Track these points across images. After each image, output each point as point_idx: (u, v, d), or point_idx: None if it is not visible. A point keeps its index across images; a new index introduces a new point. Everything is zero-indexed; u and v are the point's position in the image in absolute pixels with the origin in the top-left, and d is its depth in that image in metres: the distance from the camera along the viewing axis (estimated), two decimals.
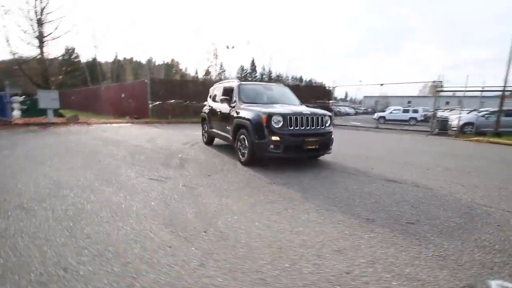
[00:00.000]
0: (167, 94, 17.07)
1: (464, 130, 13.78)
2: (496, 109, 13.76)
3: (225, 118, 5.55)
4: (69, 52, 36.88)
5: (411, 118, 23.03)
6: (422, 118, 23.63)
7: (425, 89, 60.87)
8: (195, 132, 10.20)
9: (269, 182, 3.81)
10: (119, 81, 35.11)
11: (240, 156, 4.89)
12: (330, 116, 4.87)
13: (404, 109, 24.50)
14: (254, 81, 54.63)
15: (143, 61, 58.19)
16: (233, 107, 5.31)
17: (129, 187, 3.45)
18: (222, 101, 5.52)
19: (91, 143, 6.91)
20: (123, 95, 18.74)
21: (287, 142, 4.27)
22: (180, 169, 4.48)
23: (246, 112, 4.76)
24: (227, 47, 32.94)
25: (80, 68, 34.37)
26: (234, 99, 5.38)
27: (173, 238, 2.17)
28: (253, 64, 58.74)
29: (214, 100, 6.67)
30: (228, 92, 5.93)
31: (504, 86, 12.09)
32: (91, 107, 22.57)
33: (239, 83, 5.59)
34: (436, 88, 14.56)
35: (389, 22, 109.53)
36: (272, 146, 4.28)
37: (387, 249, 2.10)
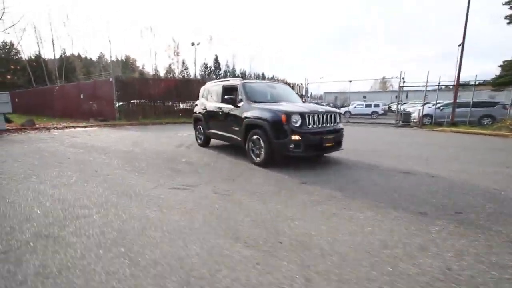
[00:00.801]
0: (134, 94, 15.89)
1: (423, 122, 15.37)
2: (449, 101, 15.53)
3: (230, 118, 5.31)
4: (6, 47, 32.05)
5: (373, 112, 24.82)
6: (382, 112, 25.73)
7: (375, 85, 66.35)
8: (180, 134, 9.70)
9: (299, 182, 3.74)
10: (68, 80, 31.61)
11: (254, 157, 4.73)
12: (340, 113, 4.96)
13: (366, 104, 26.29)
14: (218, 78, 53.89)
15: (94, 57, 53.36)
16: (239, 106, 5.10)
17: (155, 199, 3.09)
18: (225, 100, 5.26)
19: (68, 151, 6.08)
20: (82, 96, 16.96)
21: (308, 141, 4.24)
22: (195, 174, 4.17)
23: (260, 111, 4.60)
24: (192, 44, 31.44)
25: (21, 66, 30.16)
26: (239, 98, 5.17)
27: (254, 253, 1.98)
28: (216, 61, 57.58)
29: (209, 100, 6.35)
30: (229, 91, 5.69)
31: (457, 81, 13.66)
32: (41, 110, 20.02)
33: (243, 81, 5.37)
34: (399, 83, 15.87)
35: (345, 23, 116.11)
36: (292, 146, 4.21)
37: (460, 241, 2.18)
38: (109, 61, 45.08)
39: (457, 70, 13.37)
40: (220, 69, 57.88)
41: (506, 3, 10.92)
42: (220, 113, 5.69)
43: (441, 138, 8.98)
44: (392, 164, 4.81)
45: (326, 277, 1.72)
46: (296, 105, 4.83)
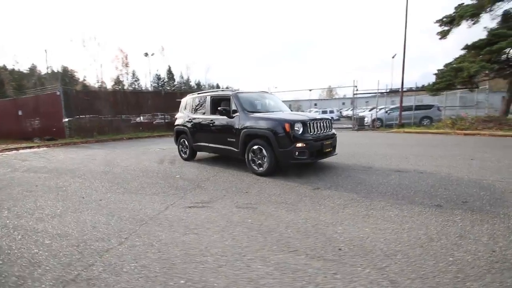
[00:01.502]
0: (85, 108, 14.43)
1: (375, 125, 17.10)
2: (394, 106, 17.57)
3: (225, 129, 5.17)
4: None
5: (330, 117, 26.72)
6: (337, 117, 27.88)
7: (323, 93, 71.71)
8: (152, 149, 9.06)
9: (312, 188, 3.80)
10: None
11: (256, 167, 4.66)
12: (331, 120, 5.23)
13: (323, 111, 28.15)
14: (174, 89, 51.87)
15: (25, 69, 47.01)
16: (233, 117, 5.01)
17: (176, 221, 2.82)
18: (219, 112, 5.11)
19: (29, 177, 5.18)
20: (20, 113, 14.75)
21: (312, 148, 4.35)
22: (202, 190, 3.92)
23: (260, 121, 4.59)
24: (146, 55, 29.95)
25: None
26: (233, 109, 5.08)
27: (323, 263, 1.94)
28: (170, 73, 55.67)
29: (195, 112, 6.10)
30: (218, 102, 5.57)
31: (402, 87, 15.56)
32: None
33: (234, 92, 5.30)
34: (353, 91, 17.41)
35: (296, 34, 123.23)
36: (297, 153, 4.28)
37: (484, 226, 2.46)
38: (44, 73, 40.13)
39: (402, 78, 15.27)
40: (174, 80, 56.03)
41: (437, 21, 12.95)
42: (211, 125, 5.50)
43: (400, 138, 10.07)
44: (382, 165, 5.22)
45: (406, 276, 1.77)
46: (292, 113, 4.96)
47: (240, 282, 1.76)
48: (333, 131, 5.09)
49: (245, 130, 4.73)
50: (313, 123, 4.54)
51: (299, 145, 4.25)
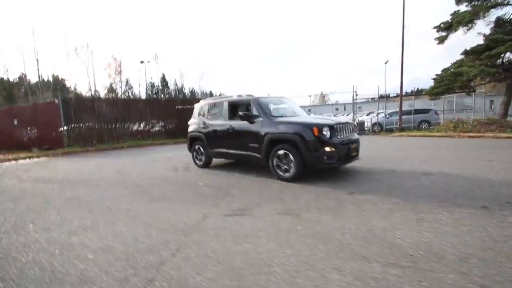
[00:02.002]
0: (84, 117, 14.10)
1: (375, 129, 17.31)
2: (395, 110, 17.83)
3: (246, 135, 5.07)
4: None
5: None
6: None
7: (316, 99, 72.48)
8: (159, 156, 8.86)
9: (347, 193, 3.71)
10: None
11: (281, 172, 4.56)
12: (354, 124, 5.21)
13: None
14: (168, 97, 51.42)
15: (14, 78, 45.96)
16: (255, 122, 4.93)
17: (221, 230, 2.69)
18: (240, 117, 5.02)
19: (41, 188, 4.94)
20: (16, 122, 14.30)
21: (341, 152, 4.30)
22: (233, 198, 3.79)
23: (286, 125, 4.53)
24: (142, 62, 29.79)
25: None
26: (254, 114, 5.00)
27: (400, 270, 1.84)
28: (164, 80, 55.32)
29: (211, 118, 5.99)
30: (236, 108, 5.49)
31: (401, 92, 15.83)
32: None
33: (255, 97, 5.24)
34: (353, 96, 17.62)
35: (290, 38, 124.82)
36: (326, 157, 4.21)
37: None
38: (34, 81, 39.33)
39: (401, 82, 15.53)
40: (168, 88, 55.69)
41: (434, 27, 13.31)
42: (230, 131, 5.39)
43: (407, 142, 10.15)
44: (404, 168, 5.20)
45: (493, 280, 1.69)
46: (316, 117, 4.92)
47: None
48: (356, 135, 5.06)
49: (269, 135, 4.65)
50: (339, 126, 4.50)
51: (327, 149, 4.19)
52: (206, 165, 6.21)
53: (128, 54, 76.54)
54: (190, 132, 6.50)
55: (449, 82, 12.52)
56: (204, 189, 4.36)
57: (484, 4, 12.45)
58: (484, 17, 12.29)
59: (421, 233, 2.41)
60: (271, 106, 5.22)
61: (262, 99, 5.21)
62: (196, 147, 6.33)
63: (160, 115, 16.89)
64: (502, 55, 10.74)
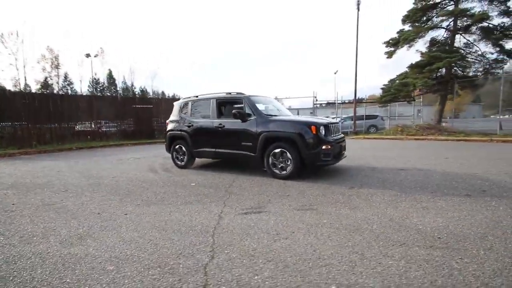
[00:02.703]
0: (16, 115, 12.05)
1: None
2: (349, 115, 19.46)
3: (238, 134, 4.94)
4: None
5: None
6: None
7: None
8: (123, 158, 8.07)
9: (348, 187, 3.89)
10: None
11: (277, 171, 4.56)
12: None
13: None
14: (115, 95, 46.94)
15: None
16: (248, 120, 4.85)
17: (247, 228, 2.55)
18: (233, 115, 4.87)
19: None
20: None
21: (335, 149, 4.50)
22: (238, 196, 3.64)
23: (284, 124, 4.56)
24: (87, 55, 26.75)
25: None
26: (247, 112, 4.91)
27: (444, 252, 1.99)
28: (111, 77, 50.66)
29: (196, 116, 5.68)
30: (225, 105, 5.35)
31: (355, 99, 17.36)
32: None
33: (246, 95, 5.14)
34: (313, 101, 18.69)
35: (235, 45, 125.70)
36: (323, 155, 4.36)
37: None
38: None
39: (355, 89, 17.06)
40: (115, 86, 51.12)
41: (384, 43, 14.99)
42: (220, 129, 5.19)
43: (368, 143, 11.15)
44: (380, 165, 5.69)
45: None
46: (308, 117, 5.05)
47: (391, 279, 1.70)
48: (342, 134, 5.37)
49: (265, 133, 4.62)
50: (331, 126, 4.71)
51: (324, 147, 4.34)
52: (188, 165, 5.86)
53: (68, 47, 67.63)
54: (169, 131, 6.07)
55: (396, 91, 14.20)
56: (200, 189, 4.10)
57: (423, 25, 14.53)
58: (423, 36, 14.31)
59: (433, 218, 2.66)
60: (263, 105, 5.20)
61: (253, 97, 5.15)
62: (177, 146, 5.93)
63: (115, 114, 15.40)
64: (440, 70, 12.64)
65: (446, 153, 7.26)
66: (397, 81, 15.28)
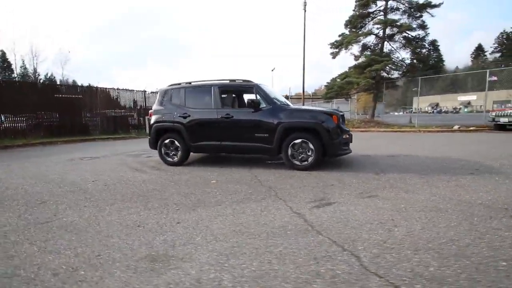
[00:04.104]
0: None
1: None
2: None
3: (252, 124, 4.58)
4: None
5: None
6: None
7: None
8: (75, 155, 6.59)
9: (374, 173, 4.08)
10: None
11: (297, 162, 4.42)
12: None
13: None
14: (33, 82, 36.89)
15: None
16: (261, 110, 4.54)
17: (351, 219, 2.38)
18: (247, 104, 4.47)
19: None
20: None
21: (350, 139, 4.63)
22: (285, 191, 3.37)
23: (303, 114, 4.45)
24: None
25: None
26: (257, 101, 4.58)
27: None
28: (4, 60, 39.98)
29: (193, 105, 4.97)
30: (230, 94, 4.88)
31: (303, 95, 18.48)
32: None
33: (256, 83, 4.77)
34: None
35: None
36: (343, 145, 4.44)
37: None
38: None
39: (303, 85, 18.15)
40: (12, 71, 40.65)
41: (329, 44, 16.35)
42: (227, 120, 4.69)
43: None
44: (369, 153, 6.20)
45: None
46: (317, 107, 5.04)
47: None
48: None
49: (285, 123, 4.40)
50: (342, 116, 4.85)
51: (344, 136, 4.44)
52: (182, 161, 5.12)
53: None
54: (156, 123, 5.16)
55: (340, 89, 15.79)
56: (230, 186, 3.63)
57: (359, 32, 16.48)
58: (360, 41, 16.26)
59: (476, 194, 3.02)
60: (272, 94, 4.94)
61: (264, 86, 4.85)
62: (167, 141, 5.10)
63: (33, 105, 12.22)
64: (378, 71, 14.61)
65: (401, 142, 8.46)
66: (338, 80, 16.99)
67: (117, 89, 15.60)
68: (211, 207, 2.83)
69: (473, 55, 68.66)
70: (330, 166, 4.67)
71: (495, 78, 18.40)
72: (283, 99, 5.32)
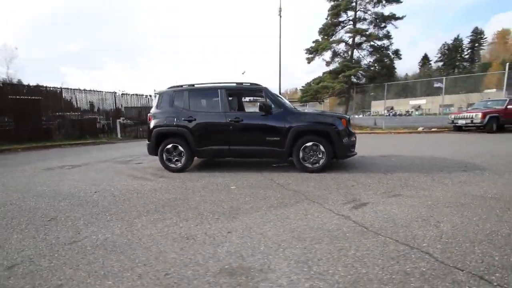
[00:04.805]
0: None
1: None
2: None
3: (262, 128, 4.57)
4: None
5: None
6: None
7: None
8: (52, 164, 5.96)
9: (383, 173, 4.31)
10: None
11: (309, 165, 4.50)
12: None
13: None
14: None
15: None
16: (272, 114, 4.55)
17: (398, 219, 2.49)
18: (259, 108, 4.43)
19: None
20: None
21: (356, 141, 4.84)
22: (313, 194, 3.40)
23: (316, 117, 4.55)
24: None
25: None
26: (268, 105, 4.59)
27: None
28: None
29: (197, 108, 4.78)
30: (236, 96, 4.81)
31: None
32: None
33: (264, 86, 4.75)
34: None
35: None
36: (351, 147, 4.63)
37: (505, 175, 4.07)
38: None
39: (279, 88, 18.47)
40: None
41: (305, 49, 16.95)
42: (235, 123, 4.59)
43: None
44: (364, 153, 6.52)
45: None
46: (323, 111, 5.18)
47: None
48: None
49: (297, 127, 4.45)
50: (349, 119, 5.05)
51: (352, 139, 4.63)
52: (185, 167, 4.89)
53: None
54: (157, 127, 4.85)
55: (316, 92, 16.45)
56: (254, 191, 3.55)
57: (329, 39, 17.38)
58: (332, 48, 17.14)
59: (481, 188, 3.36)
60: (280, 98, 4.97)
61: (270, 89, 4.85)
62: (170, 146, 4.82)
63: None
64: (350, 76, 15.52)
65: (382, 143, 9.08)
66: (313, 84, 17.69)
67: (84, 90, 14.32)
68: (250, 214, 2.75)
69: (420, 64, 76.37)
70: (335, 168, 4.83)
71: (440, 84, 20.71)
72: (288, 102, 5.38)
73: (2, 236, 2.37)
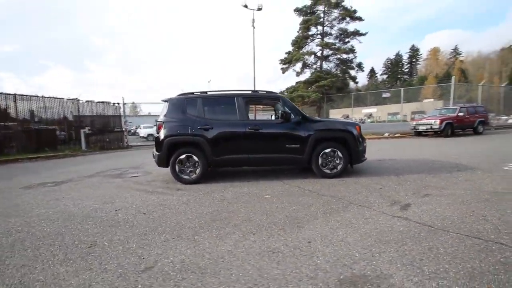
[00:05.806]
0: None
1: None
2: None
3: (282, 136, 4.59)
4: None
5: None
6: None
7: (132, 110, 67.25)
8: (36, 181, 5.19)
9: (394, 175, 4.61)
10: None
11: (327, 171, 4.61)
12: None
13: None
14: None
15: None
16: (291, 121, 4.61)
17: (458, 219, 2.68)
18: (281, 116, 4.46)
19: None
20: None
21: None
22: (353, 200, 3.49)
23: (333, 124, 4.71)
24: None
25: None
26: (288, 112, 4.63)
27: None
28: None
29: (212, 116, 4.61)
30: (249, 104, 4.76)
31: (255, 107, 18.99)
32: None
33: (280, 94, 4.79)
34: None
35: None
36: (363, 152, 4.87)
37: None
38: None
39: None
40: None
41: (280, 60, 17.51)
42: (255, 131, 4.52)
43: None
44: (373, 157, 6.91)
45: None
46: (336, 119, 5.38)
47: None
48: None
49: (316, 134, 4.55)
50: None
51: (364, 144, 4.89)
52: (200, 179, 4.63)
53: None
54: (169, 136, 4.52)
55: (291, 101, 16.99)
56: (293, 199, 3.52)
57: (300, 51, 18.27)
58: (303, 59, 18.02)
59: (487, 185, 3.83)
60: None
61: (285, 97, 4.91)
62: (183, 156, 4.54)
63: None
64: (324, 86, 16.42)
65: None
66: (286, 93, 18.30)
67: (42, 97, 12.68)
68: (311, 222, 2.72)
69: (368, 76, 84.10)
70: (347, 174, 5.03)
71: (388, 95, 23.14)
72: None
73: (47, 272, 1.96)
